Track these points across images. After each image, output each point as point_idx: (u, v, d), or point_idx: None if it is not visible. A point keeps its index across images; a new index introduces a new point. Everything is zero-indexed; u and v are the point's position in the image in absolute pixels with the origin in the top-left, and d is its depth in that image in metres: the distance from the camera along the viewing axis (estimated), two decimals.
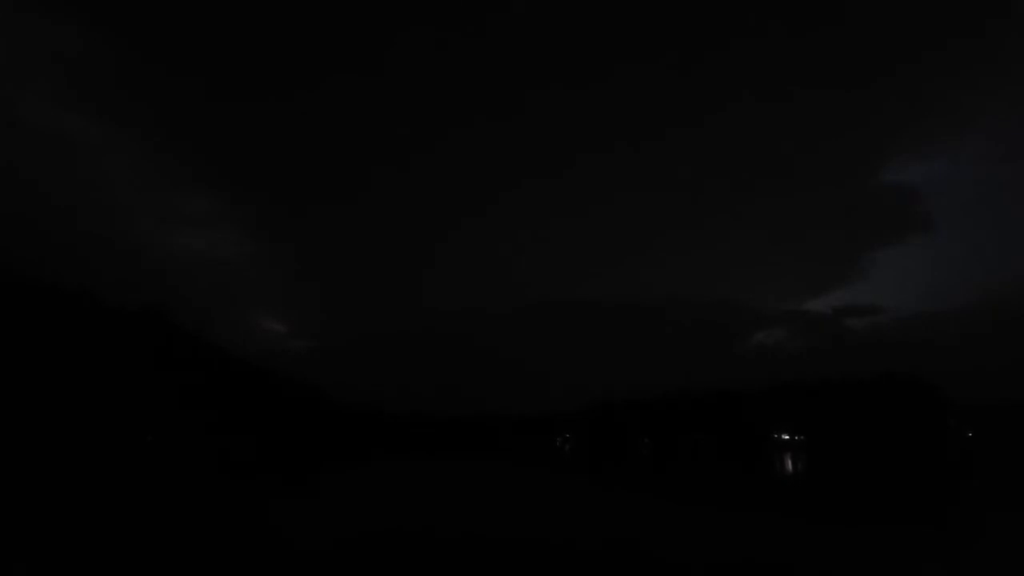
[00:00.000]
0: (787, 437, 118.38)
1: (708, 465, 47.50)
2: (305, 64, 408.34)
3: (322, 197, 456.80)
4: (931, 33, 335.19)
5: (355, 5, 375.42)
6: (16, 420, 52.06)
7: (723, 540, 12.87)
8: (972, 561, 10.87)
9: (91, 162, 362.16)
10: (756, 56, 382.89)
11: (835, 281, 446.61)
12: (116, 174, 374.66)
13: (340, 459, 54.15)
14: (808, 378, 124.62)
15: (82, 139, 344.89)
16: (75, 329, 63.03)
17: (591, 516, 17.24)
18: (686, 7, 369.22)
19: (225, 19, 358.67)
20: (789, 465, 45.14)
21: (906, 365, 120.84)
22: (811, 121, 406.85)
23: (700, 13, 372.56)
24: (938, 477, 31.74)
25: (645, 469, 43.67)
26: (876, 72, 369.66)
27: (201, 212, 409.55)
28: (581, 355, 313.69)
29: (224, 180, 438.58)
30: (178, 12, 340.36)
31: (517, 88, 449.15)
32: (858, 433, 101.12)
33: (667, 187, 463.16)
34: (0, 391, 51.90)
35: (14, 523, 13.86)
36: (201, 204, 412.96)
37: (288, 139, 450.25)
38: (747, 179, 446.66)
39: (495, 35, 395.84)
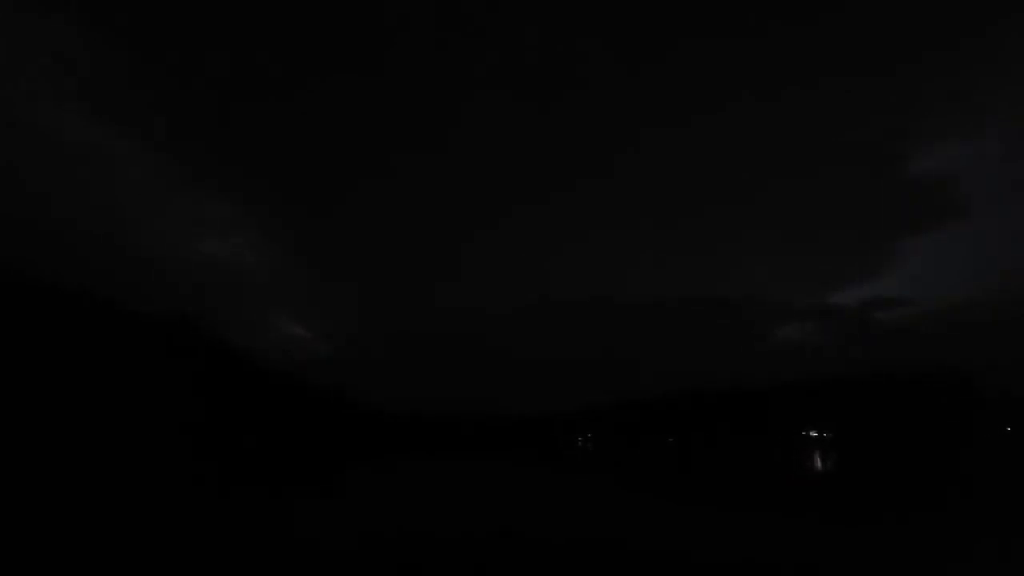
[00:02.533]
0: (815, 434, 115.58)
1: (732, 464, 46.63)
2: (321, 66, 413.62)
3: (342, 201, 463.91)
4: (967, 17, 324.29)
5: (368, 7, 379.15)
6: (45, 425, 53.97)
7: (745, 543, 12.61)
8: (991, 560, 10.43)
9: (109, 168, 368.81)
10: (777, 42, 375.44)
11: (863, 273, 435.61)
12: (133, 180, 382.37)
13: (361, 460, 54.74)
14: (835, 373, 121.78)
15: (94, 143, 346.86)
16: (101, 336, 65.17)
17: (610, 517, 17.06)
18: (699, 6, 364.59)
19: (237, 19, 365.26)
20: (817, 463, 44.00)
21: (939, 358, 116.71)
22: (837, 110, 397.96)
23: (715, 8, 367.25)
24: (969, 475, 30.55)
25: (668, 469, 43.10)
26: (905, 56, 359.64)
27: (221, 218, 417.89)
28: (604, 354, 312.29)
29: (243, 185, 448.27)
30: (187, 12, 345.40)
31: (530, 92, 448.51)
32: (888, 429, 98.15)
33: (686, 182, 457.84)
34: (28, 398, 53.84)
35: (46, 528, 14.33)
36: (222, 210, 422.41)
37: (305, 143, 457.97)
38: (769, 170, 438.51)
39: (499, 38, 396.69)
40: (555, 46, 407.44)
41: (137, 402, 64.27)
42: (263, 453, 66.97)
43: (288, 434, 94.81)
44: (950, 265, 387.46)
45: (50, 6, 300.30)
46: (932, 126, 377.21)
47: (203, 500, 21.05)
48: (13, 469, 31.91)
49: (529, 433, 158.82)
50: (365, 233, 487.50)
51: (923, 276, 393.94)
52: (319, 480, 32.24)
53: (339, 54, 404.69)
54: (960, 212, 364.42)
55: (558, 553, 11.24)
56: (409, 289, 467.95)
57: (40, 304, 61.76)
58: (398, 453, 78.43)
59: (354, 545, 12.08)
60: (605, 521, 16.10)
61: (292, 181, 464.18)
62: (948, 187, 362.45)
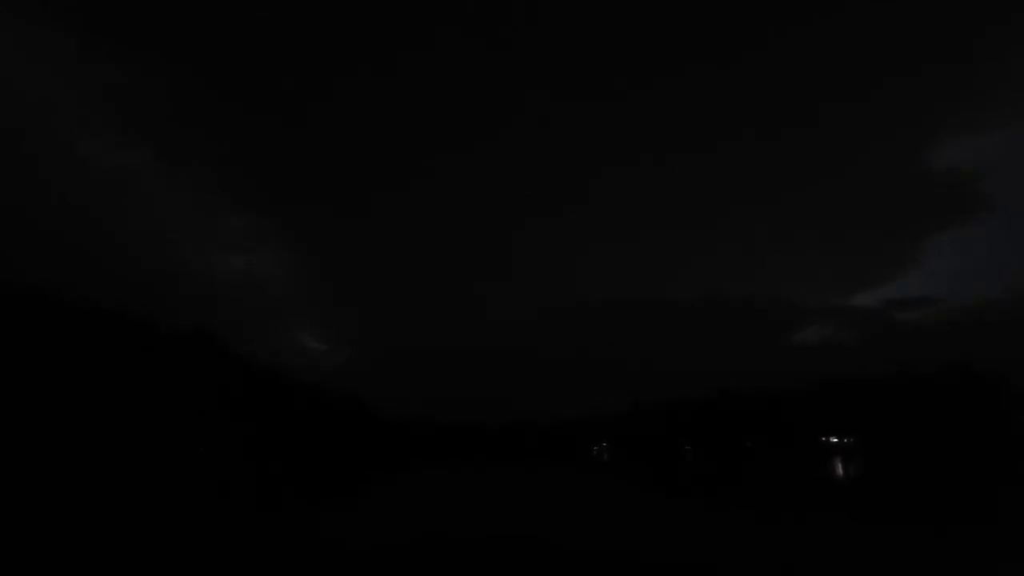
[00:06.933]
0: (836, 440, 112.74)
1: (750, 470, 46.06)
2: (336, 80, 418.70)
3: (356, 213, 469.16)
4: (989, 5, 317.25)
5: (392, 18, 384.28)
6: (75, 435, 55.50)
7: (757, 549, 12.63)
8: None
9: (131, 185, 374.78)
10: (797, 42, 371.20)
11: (884, 273, 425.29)
12: (155, 196, 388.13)
13: (383, 468, 55.15)
14: (858, 376, 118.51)
15: (116, 160, 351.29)
16: (132, 350, 66.95)
17: (631, 523, 17.11)
18: (717, 7, 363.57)
19: (258, 42, 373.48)
20: (839, 469, 43.22)
21: (965, 359, 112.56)
22: (858, 107, 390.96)
23: (732, 9, 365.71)
24: (1001, 477, 29.79)
25: (685, 476, 42.77)
26: (926, 47, 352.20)
27: (240, 233, 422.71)
28: (619, 358, 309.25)
29: (260, 200, 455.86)
30: (204, 26, 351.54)
31: (545, 100, 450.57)
32: (914, 433, 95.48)
33: (707, 184, 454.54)
34: (65, 407, 55.45)
35: (83, 534, 14.88)
36: (240, 225, 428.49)
37: (320, 158, 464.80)
38: (790, 170, 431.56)
39: (524, 49, 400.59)
40: (584, 59, 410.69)
41: (163, 412, 65.75)
42: (286, 461, 67.78)
43: (310, 442, 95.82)
44: (976, 262, 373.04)
45: (72, 23, 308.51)
46: (955, 118, 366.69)
47: (228, 507, 21.53)
48: (42, 476, 32.90)
49: (541, 441, 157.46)
50: (380, 243, 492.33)
51: (948, 274, 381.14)
52: (342, 486, 32.62)
53: (353, 68, 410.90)
54: (985, 207, 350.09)
55: (579, 558, 11.38)
56: (424, 297, 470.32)
57: (67, 318, 63.79)
58: (417, 459, 78.86)
59: (379, 546, 12.35)
60: (626, 526, 16.15)
61: (307, 195, 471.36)
62: (973, 181, 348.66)
